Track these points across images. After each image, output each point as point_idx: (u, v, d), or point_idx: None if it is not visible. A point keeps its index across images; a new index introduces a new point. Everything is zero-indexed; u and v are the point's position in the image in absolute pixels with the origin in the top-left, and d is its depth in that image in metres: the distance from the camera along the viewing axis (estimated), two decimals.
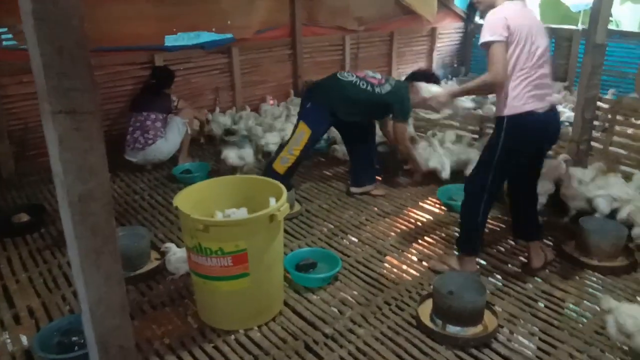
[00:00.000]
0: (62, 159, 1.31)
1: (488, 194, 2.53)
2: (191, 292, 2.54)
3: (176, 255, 2.75)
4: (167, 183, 4.06)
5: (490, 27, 2.30)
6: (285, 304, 2.49)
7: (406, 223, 3.36)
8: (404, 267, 2.84)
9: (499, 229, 3.24)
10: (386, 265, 2.86)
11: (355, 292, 2.59)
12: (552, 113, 2.47)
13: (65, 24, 1.23)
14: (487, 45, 2.32)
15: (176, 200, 2.25)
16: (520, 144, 2.44)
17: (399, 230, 3.26)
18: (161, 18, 4.77)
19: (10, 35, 4.14)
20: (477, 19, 6.92)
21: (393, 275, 2.74)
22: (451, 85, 2.72)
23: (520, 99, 2.36)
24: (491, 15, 2.34)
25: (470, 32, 7.45)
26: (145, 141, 4.14)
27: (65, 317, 2.38)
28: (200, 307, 2.41)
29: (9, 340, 2.27)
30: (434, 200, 3.67)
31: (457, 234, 3.13)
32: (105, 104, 4.52)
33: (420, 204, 3.64)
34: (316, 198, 3.74)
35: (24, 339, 2.28)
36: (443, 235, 3.19)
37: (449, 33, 7.35)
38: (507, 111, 2.38)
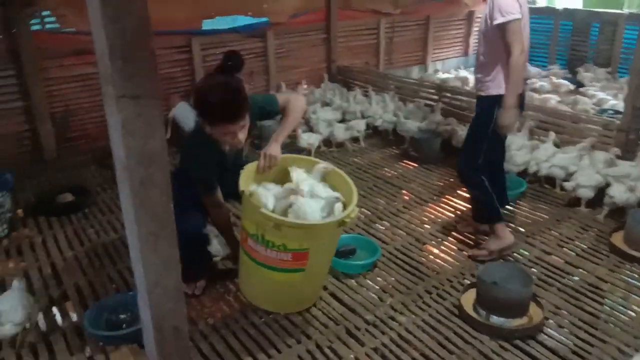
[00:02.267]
0: (125, 144, 1.32)
1: (484, 169, 2.70)
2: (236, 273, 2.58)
3: (218, 237, 2.78)
4: None
5: (506, 7, 2.37)
6: (325, 289, 2.50)
7: (444, 211, 3.32)
8: (444, 255, 2.81)
9: (541, 220, 3.17)
10: (425, 253, 2.84)
11: (395, 280, 2.59)
12: (524, 93, 2.67)
13: (130, 7, 1.23)
14: (506, 24, 2.38)
15: (242, 184, 2.11)
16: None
17: (437, 219, 3.22)
18: (199, 2, 4.77)
19: (53, 18, 4.21)
20: None
21: (433, 264, 2.72)
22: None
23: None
24: None
25: None
26: None
27: (112, 295, 2.45)
28: (244, 284, 2.39)
29: (58, 316, 2.35)
30: None
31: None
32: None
33: (459, 191, 3.59)
34: None
35: (73, 315, 2.35)
36: None
37: None
38: (500, 91, 2.52)
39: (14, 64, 4.00)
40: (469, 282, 2.51)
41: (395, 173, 3.95)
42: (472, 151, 2.70)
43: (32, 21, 4.07)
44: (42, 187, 3.74)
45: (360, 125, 4.45)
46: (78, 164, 4.18)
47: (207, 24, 4.86)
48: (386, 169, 4.04)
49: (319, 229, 2.09)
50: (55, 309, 2.39)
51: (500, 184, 2.92)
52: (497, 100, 2.52)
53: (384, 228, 3.11)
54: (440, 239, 2.98)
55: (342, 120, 4.67)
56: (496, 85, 2.54)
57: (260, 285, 2.30)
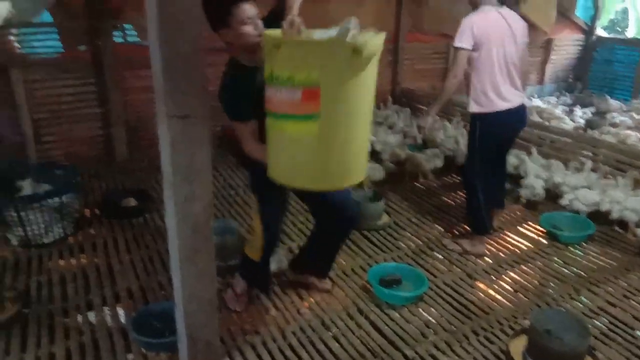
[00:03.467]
0: (173, 161, 1.37)
1: (480, 178, 2.95)
2: (276, 292, 2.59)
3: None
4: None
5: (459, 34, 2.72)
6: (366, 317, 2.44)
7: (501, 247, 3.16)
8: (496, 295, 2.67)
9: (608, 267, 2.93)
10: (476, 291, 2.70)
11: (440, 316, 2.48)
12: (513, 110, 2.86)
13: (185, 31, 1.29)
14: (455, 49, 2.77)
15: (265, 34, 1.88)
16: (489, 135, 2.89)
17: (492, 255, 3.07)
18: None
19: (134, 32, 4.50)
20: None
21: (483, 303, 2.58)
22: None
23: (483, 99, 2.80)
24: (464, 20, 2.73)
25: (591, 45, 6.87)
26: None
27: (160, 302, 2.52)
28: (271, 159, 1.97)
29: (109, 317, 2.45)
30: (535, 226, 3.41)
31: (557, 265, 2.92)
32: (212, 102, 4.77)
33: (519, 228, 3.40)
34: (406, 211, 3.64)
35: (122, 317, 2.44)
36: (540, 264, 2.95)
37: (566, 45, 6.85)
38: (477, 109, 2.84)
39: (95, 73, 4.30)
40: (520, 327, 2.36)
41: (453, 203, 3.82)
42: (468, 163, 3.02)
43: (115, 33, 4.37)
44: (109, 189, 3.96)
45: (440, 154, 4.28)
46: (145, 169, 4.40)
47: None
48: (443, 197, 3.92)
49: (324, 49, 1.74)
50: (106, 309, 2.50)
51: (494, 186, 3.12)
52: (477, 117, 2.86)
53: (434, 259, 3.00)
54: (493, 277, 2.83)
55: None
56: (474, 103, 2.84)
57: (279, 148, 1.92)
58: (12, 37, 4.16)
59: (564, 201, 3.47)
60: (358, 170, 1.97)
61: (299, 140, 1.83)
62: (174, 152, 1.37)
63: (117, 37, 4.41)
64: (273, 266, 2.75)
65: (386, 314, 2.48)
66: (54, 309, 2.48)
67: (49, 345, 2.23)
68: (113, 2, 4.11)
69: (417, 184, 4.16)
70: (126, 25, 4.45)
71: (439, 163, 4.21)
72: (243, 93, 2.03)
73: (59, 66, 4.21)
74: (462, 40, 2.69)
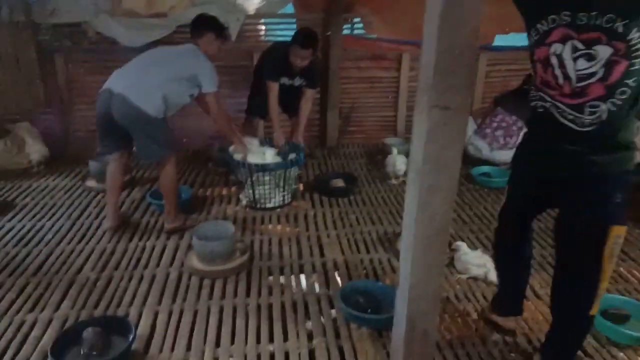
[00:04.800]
0: (425, 150, 1.41)
1: None
2: (476, 296, 2.52)
3: (467, 255, 2.75)
4: (465, 183, 4.08)
5: None
6: (585, 353, 2.20)
7: None
8: None
9: None
10: None
11: None
12: None
13: (464, 25, 1.30)
14: None
15: None
16: None
17: None
18: (495, 18, 4.70)
19: (361, 25, 4.76)
20: None
21: None
22: None
23: None
24: None
25: None
26: (504, 143, 4.26)
27: (362, 280, 2.67)
28: None
29: (317, 284, 2.68)
30: None
31: None
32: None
33: None
34: (636, 237, 3.17)
35: (328, 287, 2.64)
36: None
37: None
38: None
39: (322, 62, 4.68)
40: None
41: None
42: None
43: (344, 26, 4.68)
44: (320, 168, 4.31)
45: None
46: (351, 154, 4.67)
47: (500, 40, 4.76)
48: None
49: None
50: (315, 276, 2.73)
51: None
52: None
53: None
54: None
55: None
56: None
57: None
58: (259, 26, 4.78)
59: None
60: None
61: None
62: (428, 141, 1.41)
63: (345, 30, 4.73)
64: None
65: (608, 351, 2.20)
66: (273, 266, 2.81)
67: (268, 297, 2.54)
68: None
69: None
70: (355, 19, 4.74)
71: None
72: None
73: None
74: None
